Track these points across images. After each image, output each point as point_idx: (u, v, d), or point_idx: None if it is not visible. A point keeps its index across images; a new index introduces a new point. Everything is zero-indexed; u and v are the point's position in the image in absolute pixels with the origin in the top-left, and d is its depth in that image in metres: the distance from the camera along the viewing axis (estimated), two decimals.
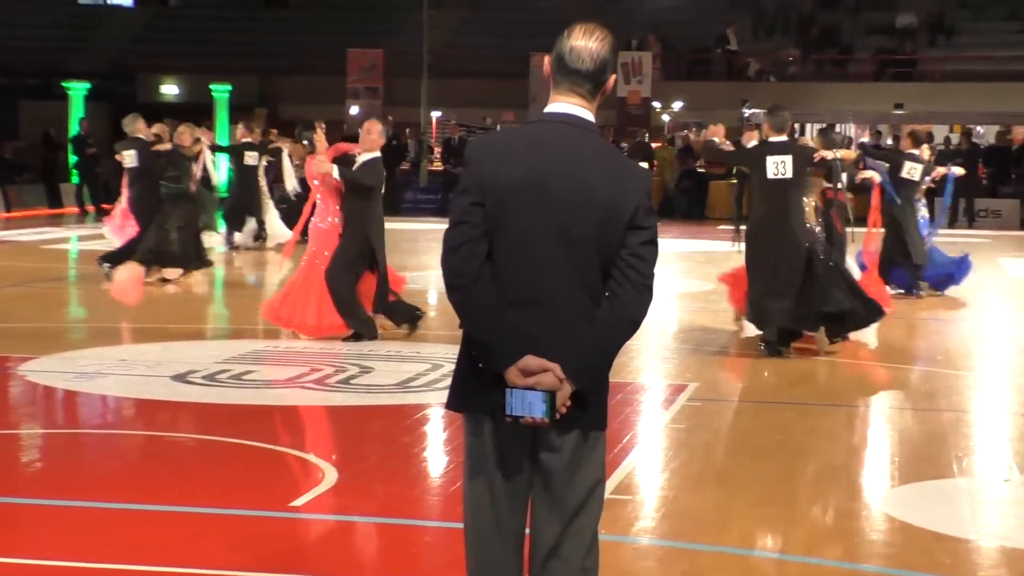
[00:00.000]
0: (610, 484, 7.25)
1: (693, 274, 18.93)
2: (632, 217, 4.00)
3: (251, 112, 22.28)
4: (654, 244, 4.07)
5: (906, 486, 7.54)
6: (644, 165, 32.46)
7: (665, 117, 37.77)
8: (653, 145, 34.03)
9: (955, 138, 33.71)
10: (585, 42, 4.11)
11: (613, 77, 4.16)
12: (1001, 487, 7.54)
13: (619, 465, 7.71)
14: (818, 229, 12.07)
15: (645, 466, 7.95)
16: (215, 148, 21.47)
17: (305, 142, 12.45)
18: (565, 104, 4.10)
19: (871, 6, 38.94)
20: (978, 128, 36.35)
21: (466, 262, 3.98)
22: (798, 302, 11.52)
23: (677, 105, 37.09)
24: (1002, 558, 6.27)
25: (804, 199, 11.85)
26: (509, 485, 4.08)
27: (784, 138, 11.86)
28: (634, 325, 4.07)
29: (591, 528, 4.13)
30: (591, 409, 4.06)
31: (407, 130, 34.17)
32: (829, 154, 12.30)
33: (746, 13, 39.10)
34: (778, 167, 11.61)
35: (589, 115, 4.10)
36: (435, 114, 37.67)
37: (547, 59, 4.16)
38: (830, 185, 12.55)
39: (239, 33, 41.13)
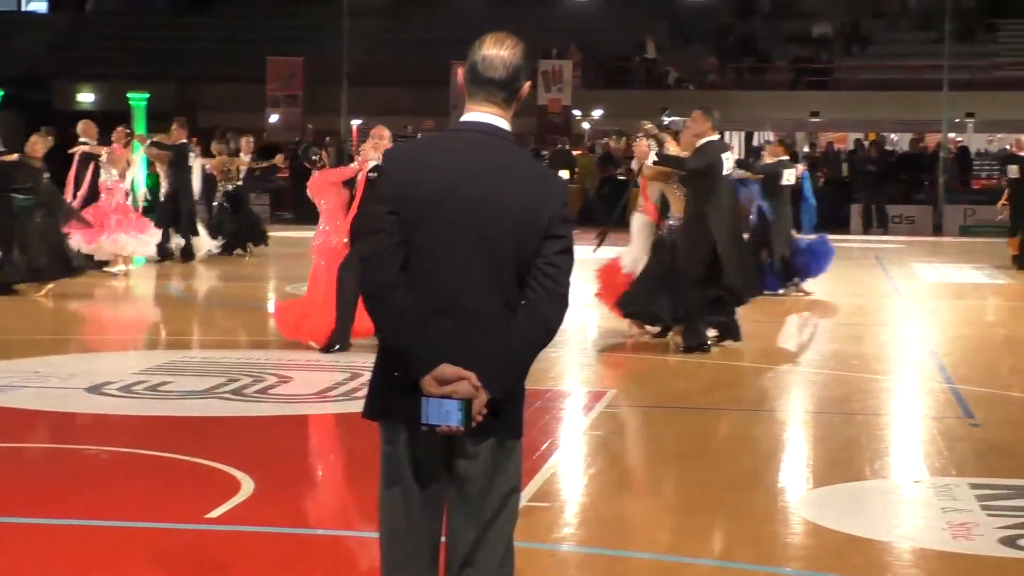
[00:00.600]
0: (528, 491, 7.27)
1: None
2: (548, 226, 4.03)
3: (169, 120, 21.95)
4: (569, 252, 4.10)
5: (820, 489, 7.63)
6: (564, 174, 32.63)
7: (585, 125, 37.95)
8: (574, 153, 34.20)
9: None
10: (497, 51, 4.14)
11: (528, 84, 4.19)
12: (912, 488, 7.65)
13: (537, 472, 7.73)
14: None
15: (563, 473, 7.98)
16: (159, 145, 20.57)
17: (314, 157, 12.29)
18: (480, 113, 4.12)
19: (787, 15, 39.37)
20: (892, 136, 36.85)
21: (382, 270, 3.99)
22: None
23: (597, 113, 37.28)
24: (913, 559, 6.36)
25: None
26: (424, 493, 4.08)
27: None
28: (549, 333, 4.09)
29: (506, 536, 4.15)
30: (507, 417, 4.08)
31: (327, 138, 34.05)
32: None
33: (664, 22, 39.40)
34: (726, 164, 11.98)
35: (505, 124, 4.13)
36: (355, 122, 37.54)
37: (460, 70, 4.19)
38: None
39: (157, 40, 40.80)
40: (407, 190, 4.00)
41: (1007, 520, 6.81)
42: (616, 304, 12.78)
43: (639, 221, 13.36)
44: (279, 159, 24.13)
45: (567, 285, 4.10)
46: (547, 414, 9.58)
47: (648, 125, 13.33)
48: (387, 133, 11.89)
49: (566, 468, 8.12)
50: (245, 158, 22.44)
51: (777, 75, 38.29)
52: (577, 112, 37.05)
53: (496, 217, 3.99)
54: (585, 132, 37.86)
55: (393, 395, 4.05)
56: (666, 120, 34.24)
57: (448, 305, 3.99)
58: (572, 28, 37.33)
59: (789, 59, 38.24)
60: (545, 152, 34.20)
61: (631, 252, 13.47)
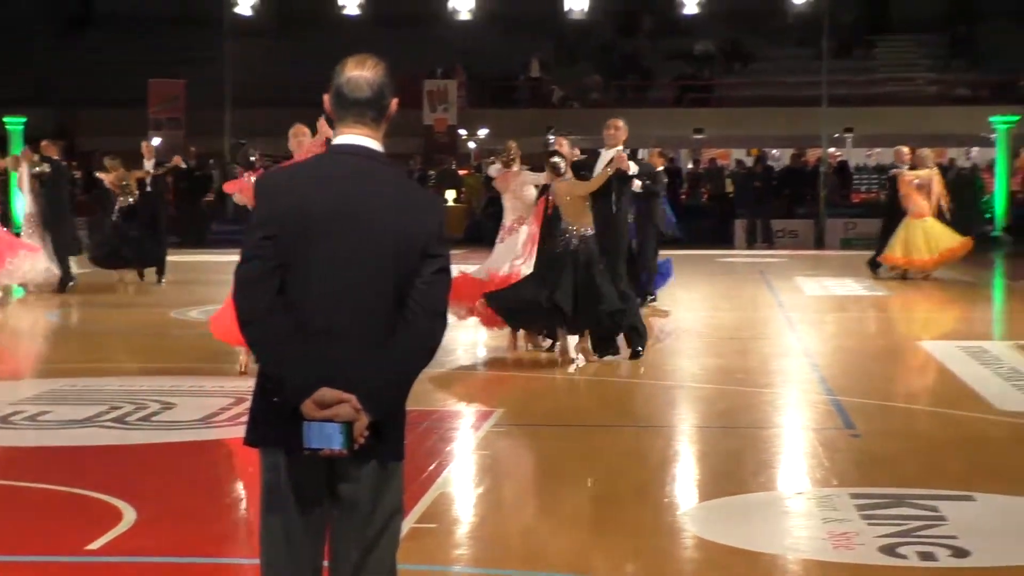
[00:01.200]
0: (415, 513, 7.26)
1: None
2: (425, 246, 4.04)
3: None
4: (447, 272, 4.11)
5: (706, 503, 7.70)
6: (451, 194, 32.67)
7: (472, 144, 38.03)
8: (460, 172, 34.24)
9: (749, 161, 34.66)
10: (360, 72, 4.16)
11: (395, 100, 4.19)
12: (795, 500, 7.74)
13: (425, 493, 7.70)
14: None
15: (451, 494, 7.96)
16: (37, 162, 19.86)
17: (252, 158, 12.26)
18: (352, 136, 4.13)
19: (669, 33, 39.79)
20: (774, 151, 37.41)
21: (258, 297, 3.98)
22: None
23: (483, 132, 37.38)
24: (796, 570, 6.44)
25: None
26: (306, 519, 4.07)
27: None
28: (429, 353, 4.10)
29: (389, 559, 4.15)
30: (388, 439, 4.08)
31: (211, 161, 33.78)
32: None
33: (549, 41, 39.62)
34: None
35: (377, 145, 4.14)
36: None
37: (326, 96, 4.21)
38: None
39: (35, 64, 40.18)
40: (283, 215, 4.00)
41: (886, 528, 6.92)
42: (509, 318, 12.79)
43: (524, 234, 13.52)
44: (177, 160, 23.24)
45: (445, 304, 4.11)
46: (434, 435, 9.55)
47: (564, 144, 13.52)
48: (306, 130, 11.72)
49: (453, 488, 8.11)
50: (148, 165, 21.64)
51: (660, 92, 38.71)
52: (463, 131, 37.13)
53: (373, 239, 4.00)
54: (471, 151, 37.95)
55: (273, 421, 4.03)
56: (551, 139, 34.54)
57: (327, 328, 3.98)
58: (456, 48, 37.41)
59: (672, 76, 38.67)
60: (432, 172, 34.24)
61: (494, 261, 13.83)
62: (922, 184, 21.20)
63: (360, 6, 34.46)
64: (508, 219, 14.05)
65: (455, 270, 4.54)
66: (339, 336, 3.97)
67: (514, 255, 13.65)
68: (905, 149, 22.98)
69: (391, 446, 4.10)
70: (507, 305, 12.62)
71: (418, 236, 4.02)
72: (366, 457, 4.01)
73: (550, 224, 12.80)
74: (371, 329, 3.99)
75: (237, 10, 34.79)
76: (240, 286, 4.03)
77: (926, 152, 22.48)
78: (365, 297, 3.99)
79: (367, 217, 4.00)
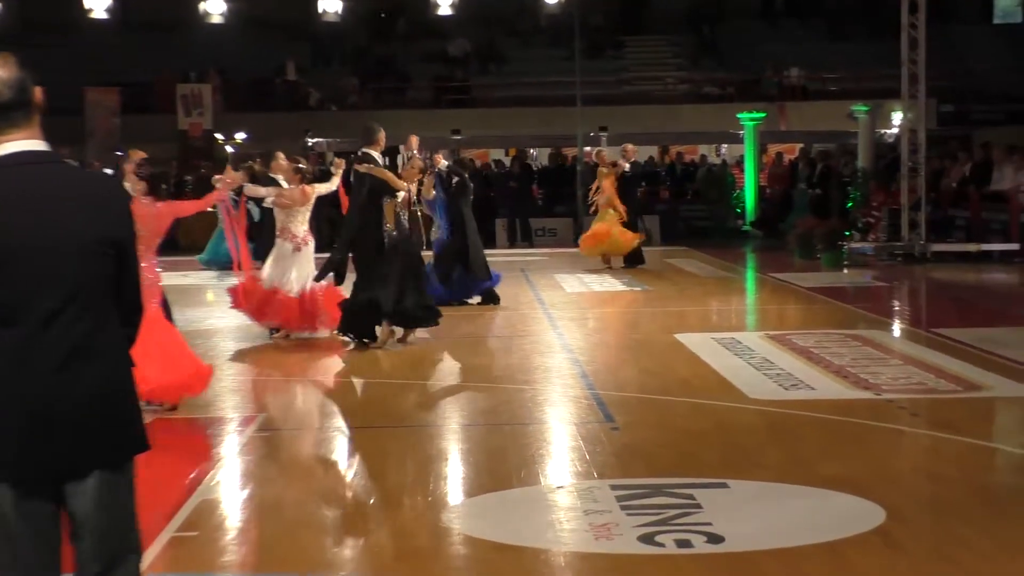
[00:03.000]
0: (176, 520, 7.17)
1: None
2: (120, 243, 4.05)
3: None
4: (137, 262, 4.17)
5: (470, 500, 7.77)
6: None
7: (230, 148, 37.49)
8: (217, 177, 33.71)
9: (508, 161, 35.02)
10: None
11: (38, 89, 4.10)
12: (557, 494, 7.87)
13: (186, 500, 7.61)
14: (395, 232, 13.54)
15: (213, 500, 7.86)
16: None
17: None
18: (15, 143, 4.02)
19: (424, 34, 39.91)
20: (532, 151, 37.87)
21: None
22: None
23: (240, 136, 36.90)
24: (559, 563, 6.55)
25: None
26: (39, 543, 3.97)
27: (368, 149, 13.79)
28: (130, 344, 4.15)
29: (133, 569, 4.09)
30: (115, 447, 4.03)
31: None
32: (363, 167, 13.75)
33: (304, 44, 39.35)
34: None
35: (41, 144, 4.06)
36: None
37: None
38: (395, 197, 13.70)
39: None
40: None
41: (645, 518, 7.09)
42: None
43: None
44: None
45: (140, 296, 4.21)
46: (196, 440, 9.42)
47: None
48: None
49: (216, 495, 8.01)
50: None
51: (417, 94, 38.79)
52: (219, 136, 36.59)
53: (68, 244, 3.94)
54: (229, 155, 37.39)
55: None
56: (310, 142, 34.36)
57: (34, 343, 3.89)
58: (210, 51, 36.83)
59: (428, 78, 38.82)
60: (189, 178, 33.64)
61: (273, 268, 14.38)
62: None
63: (108, 10, 33.61)
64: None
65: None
66: (48, 348, 3.90)
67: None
68: (632, 147, 24.50)
69: (118, 454, 4.05)
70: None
71: (113, 235, 4.02)
72: (92, 468, 3.97)
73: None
74: (80, 334, 3.95)
75: None
76: None
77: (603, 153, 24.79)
78: (68, 303, 3.93)
79: (59, 223, 3.94)
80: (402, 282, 13.58)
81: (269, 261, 14.57)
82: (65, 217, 3.95)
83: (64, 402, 3.91)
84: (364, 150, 13.93)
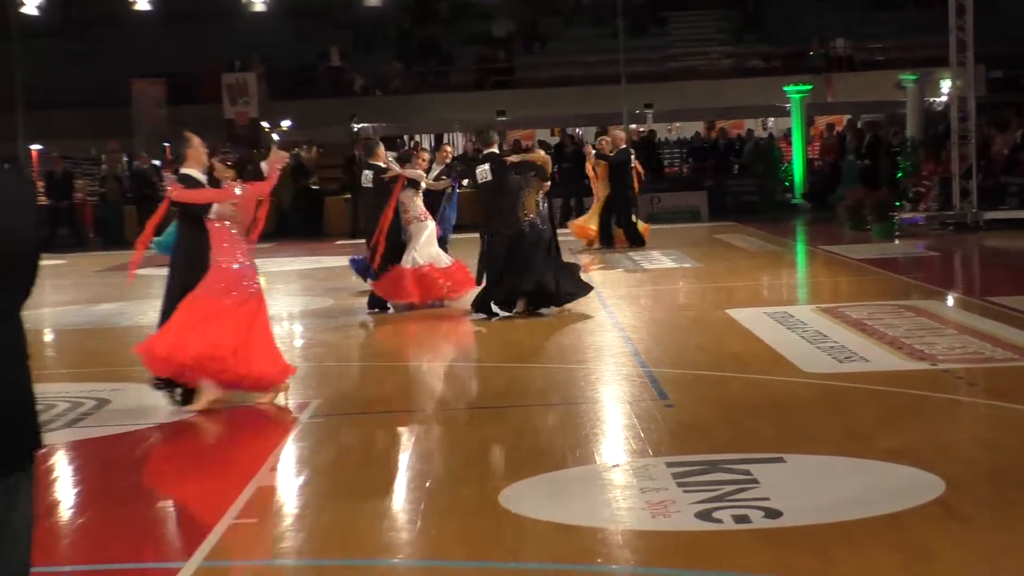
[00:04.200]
0: (235, 508, 7.20)
1: (314, 291, 18.96)
2: (30, 236, 3.93)
3: None
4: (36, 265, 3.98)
5: (526, 480, 7.75)
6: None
7: (276, 136, 37.63)
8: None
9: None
10: None
11: None
12: (613, 472, 7.85)
13: (244, 489, 7.64)
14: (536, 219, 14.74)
15: (270, 487, 7.89)
16: None
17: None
18: None
19: (467, 16, 39.89)
20: (577, 130, 37.81)
21: None
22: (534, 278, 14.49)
23: (286, 124, 37.04)
24: (617, 541, 6.53)
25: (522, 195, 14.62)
26: None
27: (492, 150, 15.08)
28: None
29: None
30: (10, 450, 3.93)
31: (5, 165, 32.79)
32: (525, 156, 15.45)
33: (347, 30, 39.42)
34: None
35: None
36: (35, 147, 36.36)
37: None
38: (547, 183, 15.10)
39: None
40: None
41: (701, 495, 7.06)
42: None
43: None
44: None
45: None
46: (249, 429, 9.47)
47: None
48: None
49: (272, 482, 8.04)
50: None
51: (461, 76, 38.81)
52: (265, 124, 36.73)
53: None
54: (276, 144, 37.55)
55: None
56: (356, 127, 34.41)
57: None
58: (253, 40, 36.98)
59: (472, 60, 38.80)
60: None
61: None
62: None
63: (151, 1, 33.75)
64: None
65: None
66: None
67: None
68: (621, 134, 24.79)
69: (12, 457, 3.94)
70: None
71: (19, 227, 3.90)
72: None
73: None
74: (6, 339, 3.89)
75: (24, 10, 33.79)
76: None
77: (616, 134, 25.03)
78: None
79: None
80: (544, 264, 14.63)
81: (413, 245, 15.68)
82: None
83: None
84: (486, 151, 15.25)
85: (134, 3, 33.36)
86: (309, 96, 37.53)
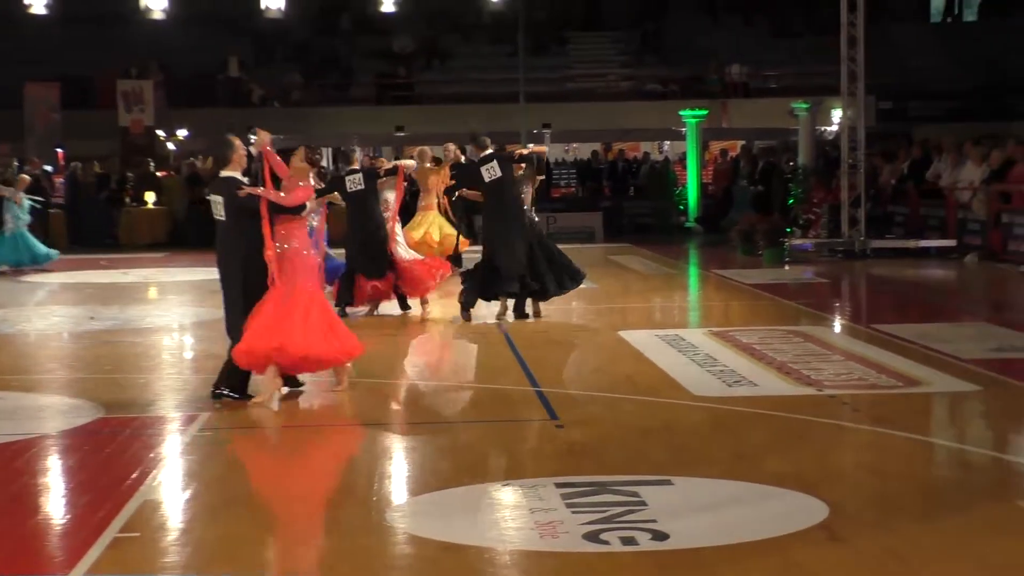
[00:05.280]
0: (118, 522, 7.11)
1: (207, 302, 18.74)
2: None
3: None
4: None
5: (416, 498, 7.75)
6: (152, 196, 31.86)
7: (171, 145, 37.26)
8: (159, 175, 33.49)
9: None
10: None
11: None
12: (502, 492, 7.85)
13: (127, 501, 7.54)
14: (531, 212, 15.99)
15: (155, 501, 7.80)
16: None
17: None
18: None
19: (368, 31, 39.81)
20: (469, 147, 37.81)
21: None
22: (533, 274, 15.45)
23: (182, 133, 36.67)
24: (504, 561, 6.54)
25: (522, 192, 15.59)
26: None
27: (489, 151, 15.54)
28: None
29: None
30: None
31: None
32: (525, 150, 16.16)
33: (247, 39, 39.13)
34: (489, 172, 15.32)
35: None
36: None
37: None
38: (541, 176, 16.61)
39: None
40: None
41: (590, 516, 7.10)
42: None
43: None
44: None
45: None
46: (137, 441, 9.35)
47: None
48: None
49: (159, 496, 7.95)
50: None
51: (361, 90, 38.68)
52: (161, 132, 36.34)
53: None
54: (171, 153, 37.17)
55: None
56: (252, 138, 34.13)
57: None
58: (151, 47, 36.56)
59: (372, 74, 38.72)
60: (130, 174, 33.39)
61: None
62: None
63: (47, 5, 33.22)
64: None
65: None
66: None
67: None
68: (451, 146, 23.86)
69: None
70: None
71: None
72: None
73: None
74: None
75: None
76: None
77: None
78: None
79: None
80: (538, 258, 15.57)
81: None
82: None
83: None
84: (486, 153, 15.58)
85: (30, 5, 32.84)
86: (207, 105, 37.17)
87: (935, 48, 39.30)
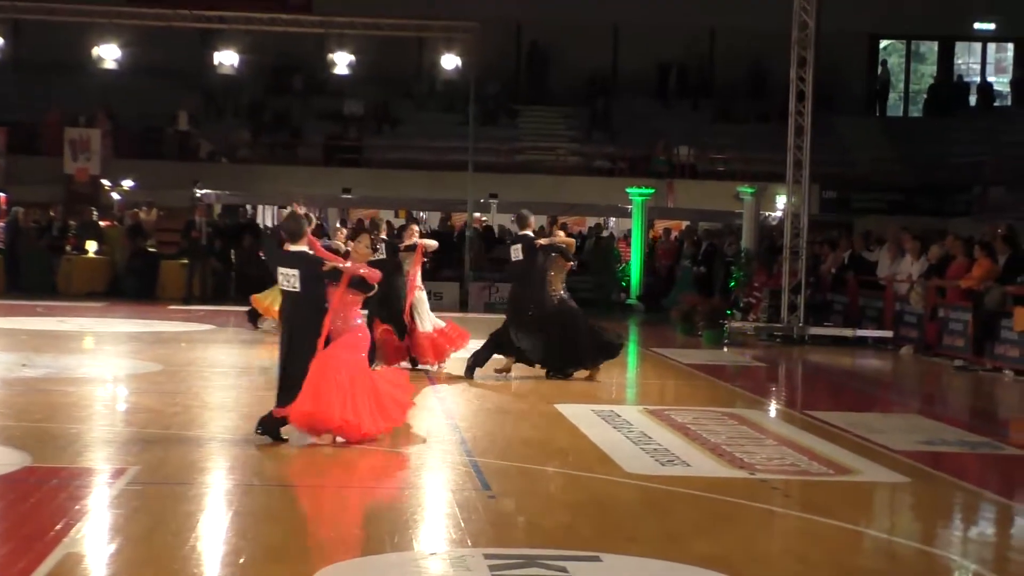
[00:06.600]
0: (38, 574, 7.01)
1: (142, 355, 18.61)
2: None
3: None
4: None
5: (342, 563, 7.70)
6: (93, 245, 31.67)
7: (116, 196, 37.06)
8: (102, 224, 33.31)
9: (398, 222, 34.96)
10: None
11: None
12: (430, 561, 7.83)
13: (49, 553, 7.45)
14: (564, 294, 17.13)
15: (79, 554, 7.71)
16: None
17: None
18: None
19: (320, 92, 39.90)
20: (422, 214, 37.93)
21: None
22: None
23: (128, 184, 36.50)
24: None
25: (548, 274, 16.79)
26: None
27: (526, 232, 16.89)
28: None
29: None
30: None
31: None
32: (546, 240, 17.11)
33: (198, 94, 39.10)
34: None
35: None
36: None
37: None
38: (571, 264, 17.38)
39: None
40: None
41: None
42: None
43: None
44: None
45: None
46: (63, 493, 9.25)
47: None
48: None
49: (82, 550, 7.85)
50: None
51: (309, 151, 38.68)
52: (107, 182, 36.15)
53: None
54: (115, 203, 36.96)
55: None
56: (198, 193, 34.08)
57: None
58: (101, 96, 36.45)
59: (321, 136, 38.76)
60: (72, 223, 33.19)
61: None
62: None
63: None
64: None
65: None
66: None
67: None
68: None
69: None
70: None
71: None
72: None
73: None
74: None
75: None
76: None
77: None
78: None
79: None
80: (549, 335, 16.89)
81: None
82: None
83: None
84: (521, 232, 17.03)
85: None
86: (154, 157, 37.05)
87: (880, 142, 39.85)
